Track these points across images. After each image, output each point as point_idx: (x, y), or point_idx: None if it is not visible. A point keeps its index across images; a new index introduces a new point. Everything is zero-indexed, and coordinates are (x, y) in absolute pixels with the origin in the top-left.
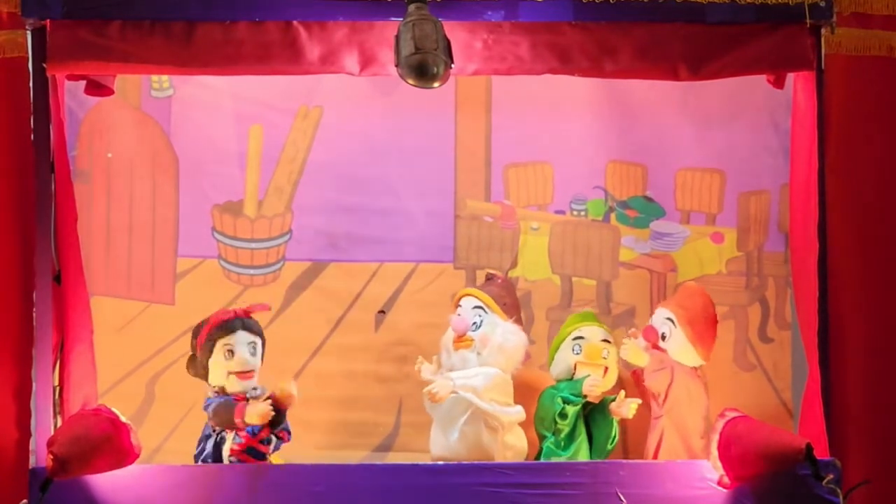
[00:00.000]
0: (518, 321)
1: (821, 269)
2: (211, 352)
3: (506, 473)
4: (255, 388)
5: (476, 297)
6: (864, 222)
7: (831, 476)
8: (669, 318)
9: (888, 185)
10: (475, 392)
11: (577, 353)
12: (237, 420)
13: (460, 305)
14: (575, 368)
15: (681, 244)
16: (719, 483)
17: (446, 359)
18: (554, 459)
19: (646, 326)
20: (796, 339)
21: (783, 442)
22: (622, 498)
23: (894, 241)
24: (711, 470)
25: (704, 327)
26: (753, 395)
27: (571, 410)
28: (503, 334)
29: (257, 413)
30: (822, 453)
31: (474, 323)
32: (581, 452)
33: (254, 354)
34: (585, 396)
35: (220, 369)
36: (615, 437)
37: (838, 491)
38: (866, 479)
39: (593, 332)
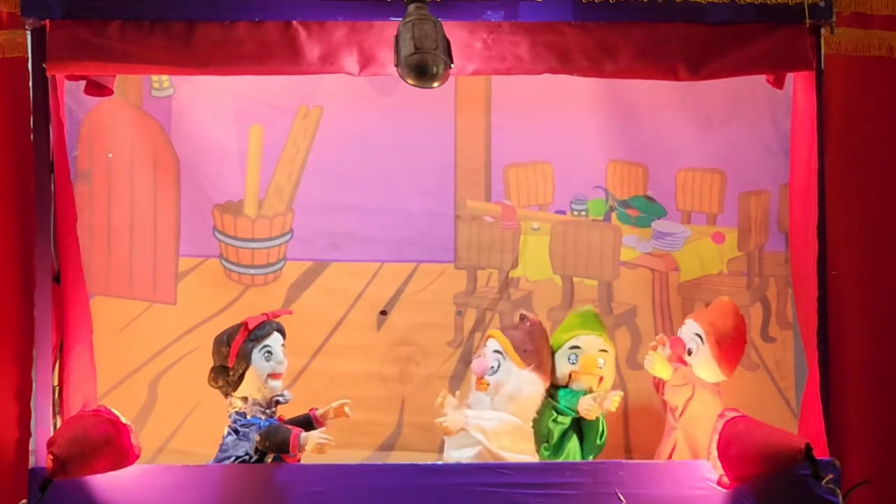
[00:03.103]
0: (538, 368)
1: (820, 269)
2: (249, 358)
3: (506, 473)
4: (282, 395)
5: (497, 340)
6: (863, 222)
7: (831, 476)
8: (698, 335)
9: (888, 185)
10: (484, 433)
11: (573, 363)
12: (293, 451)
13: (486, 346)
14: (570, 377)
15: (682, 244)
16: (719, 483)
17: (469, 393)
18: None
19: (673, 338)
20: (798, 339)
21: (782, 442)
22: (622, 498)
23: (894, 241)
24: (711, 470)
25: (732, 347)
26: (756, 394)
27: (565, 421)
28: (516, 384)
29: (314, 445)
30: (821, 453)
31: (492, 367)
32: (572, 454)
33: (284, 355)
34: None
35: (260, 374)
36: (603, 432)
37: (838, 491)
38: (866, 479)
39: (590, 343)
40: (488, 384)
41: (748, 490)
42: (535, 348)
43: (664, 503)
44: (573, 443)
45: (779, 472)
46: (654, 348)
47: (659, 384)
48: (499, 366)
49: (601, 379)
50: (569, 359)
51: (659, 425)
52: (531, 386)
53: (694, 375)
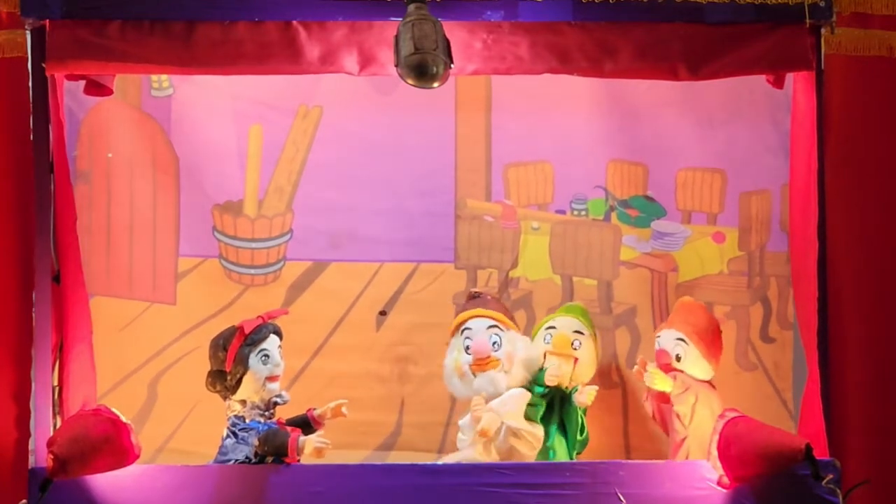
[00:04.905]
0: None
1: (821, 269)
2: (246, 363)
3: (506, 473)
4: (279, 395)
5: (489, 316)
6: (863, 222)
7: (831, 476)
8: (681, 339)
9: (888, 185)
10: (515, 418)
11: (547, 343)
12: (291, 454)
13: (469, 328)
14: (545, 358)
15: (682, 244)
16: (719, 483)
17: (461, 386)
18: None
19: (657, 351)
20: (798, 339)
21: (783, 442)
22: (622, 498)
23: (894, 241)
24: (711, 470)
25: (713, 339)
26: (754, 395)
27: (537, 399)
28: (524, 348)
29: (312, 449)
30: (821, 453)
31: (494, 343)
32: (556, 442)
33: (281, 357)
34: (548, 386)
35: (258, 377)
36: (583, 427)
37: (838, 491)
38: (866, 479)
39: (566, 323)
40: (498, 360)
41: (748, 490)
42: (512, 315)
43: (664, 503)
44: (558, 440)
45: (779, 472)
46: (640, 374)
47: (655, 403)
48: (500, 339)
49: (576, 360)
50: (544, 339)
51: (658, 426)
52: (531, 346)
53: (691, 379)
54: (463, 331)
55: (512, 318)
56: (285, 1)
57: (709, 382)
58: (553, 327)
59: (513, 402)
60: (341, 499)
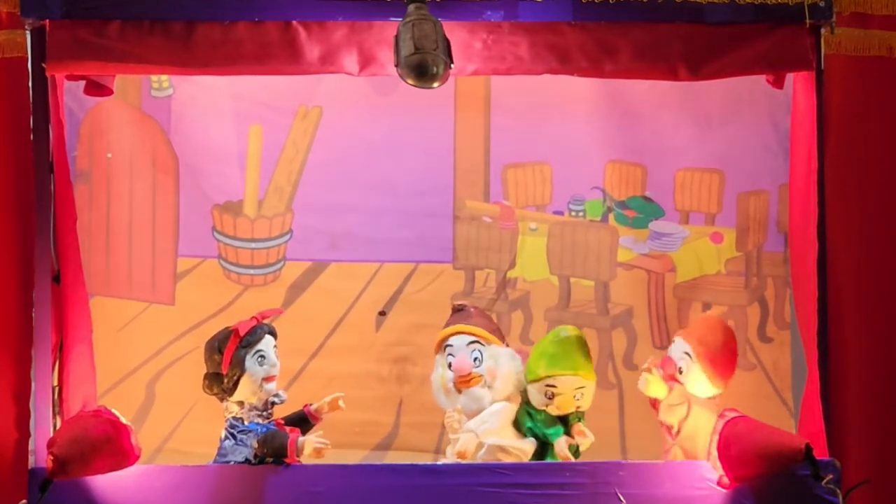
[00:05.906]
0: (506, 343)
1: (820, 269)
2: (243, 365)
3: (505, 473)
4: (277, 395)
5: (470, 332)
6: (863, 222)
7: (831, 476)
8: (687, 353)
9: (888, 186)
10: (497, 434)
11: (550, 399)
12: (290, 455)
13: (450, 345)
14: (545, 406)
15: (679, 244)
16: (719, 483)
17: (447, 402)
18: None
19: (664, 357)
20: (795, 339)
21: (782, 442)
22: (622, 498)
23: (894, 240)
24: (711, 470)
25: (724, 363)
26: (754, 394)
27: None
28: (508, 363)
29: (313, 449)
30: (821, 453)
31: (475, 359)
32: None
33: (277, 357)
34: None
35: (255, 379)
36: (577, 452)
37: (838, 491)
38: (866, 479)
39: (567, 384)
40: (480, 376)
41: (748, 490)
42: (495, 326)
43: (664, 503)
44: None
45: (779, 472)
46: (648, 370)
47: (655, 403)
48: (482, 354)
49: (578, 407)
50: (545, 394)
51: (655, 427)
52: (516, 360)
53: (688, 394)
54: (445, 347)
55: (496, 330)
56: (285, 1)
57: (711, 400)
58: (554, 386)
59: (494, 419)
60: (341, 499)
